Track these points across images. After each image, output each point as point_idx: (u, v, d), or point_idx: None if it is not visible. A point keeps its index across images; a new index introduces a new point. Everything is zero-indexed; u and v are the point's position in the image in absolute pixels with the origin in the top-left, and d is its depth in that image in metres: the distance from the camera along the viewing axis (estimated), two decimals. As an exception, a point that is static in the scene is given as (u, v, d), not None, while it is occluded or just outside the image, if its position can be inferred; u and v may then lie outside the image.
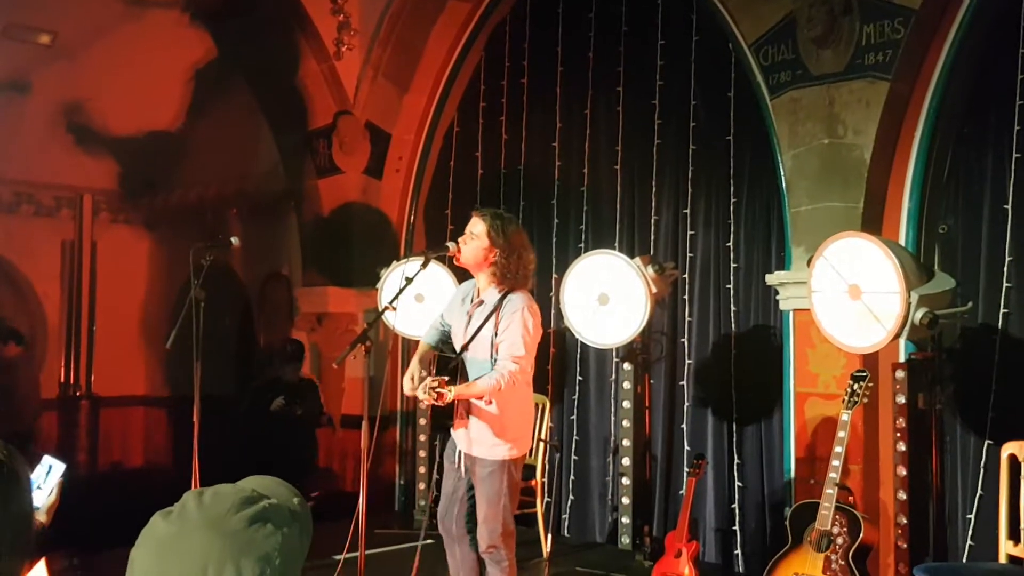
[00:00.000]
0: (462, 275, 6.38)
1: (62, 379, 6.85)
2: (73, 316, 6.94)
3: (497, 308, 3.78)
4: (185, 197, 7.00)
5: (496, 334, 3.75)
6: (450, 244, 4.03)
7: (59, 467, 2.82)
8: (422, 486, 6.70)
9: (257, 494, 1.12)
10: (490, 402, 3.73)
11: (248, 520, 1.07)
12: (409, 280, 3.81)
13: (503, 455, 3.79)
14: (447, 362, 4.01)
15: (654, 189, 6.08)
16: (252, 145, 7.48)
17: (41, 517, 2.67)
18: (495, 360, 3.73)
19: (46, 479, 2.84)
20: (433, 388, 3.57)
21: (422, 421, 6.70)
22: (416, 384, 3.77)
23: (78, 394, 6.87)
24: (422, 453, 6.69)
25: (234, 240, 4.60)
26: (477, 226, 3.85)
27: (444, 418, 3.97)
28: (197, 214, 6.92)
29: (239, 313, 7.64)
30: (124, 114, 7.02)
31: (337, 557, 4.09)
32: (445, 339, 4.07)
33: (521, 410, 3.89)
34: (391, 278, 6.05)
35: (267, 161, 7.54)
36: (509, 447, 3.79)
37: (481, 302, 3.87)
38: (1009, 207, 4.53)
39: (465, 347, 3.80)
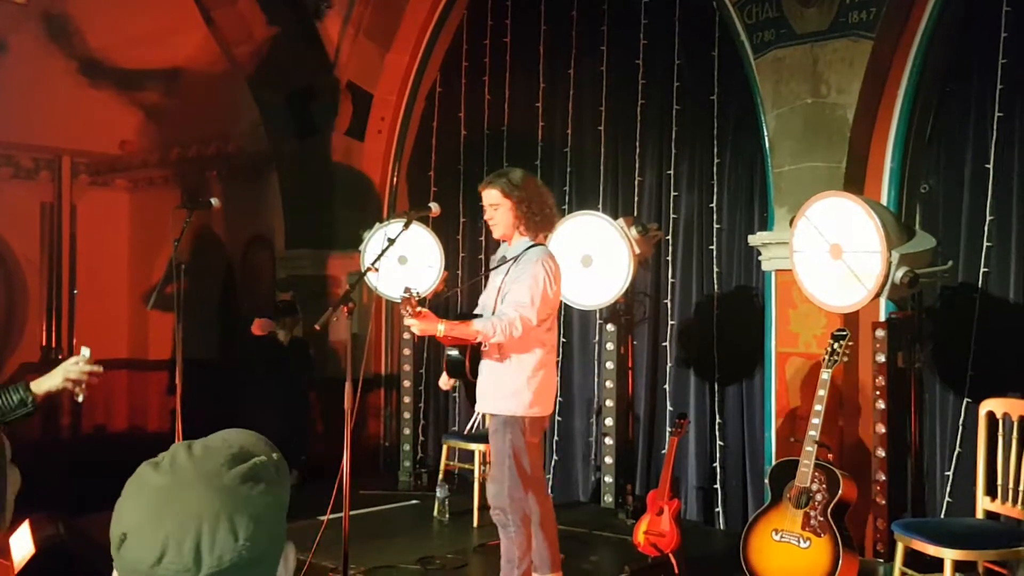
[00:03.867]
0: (446, 237, 6.39)
1: (43, 342, 6.82)
2: (54, 279, 6.89)
3: (517, 260, 3.80)
4: (165, 159, 6.92)
5: (505, 282, 3.77)
6: (432, 205, 4.03)
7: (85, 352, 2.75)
8: (406, 447, 6.73)
9: (244, 450, 1.11)
10: (486, 343, 3.74)
11: (241, 477, 1.06)
12: (391, 241, 3.79)
13: (508, 410, 3.78)
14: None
15: (638, 150, 6.07)
16: (233, 106, 7.39)
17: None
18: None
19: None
20: (406, 300, 3.57)
21: (406, 383, 6.72)
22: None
23: (60, 357, 6.84)
24: (406, 415, 6.71)
25: (214, 201, 4.56)
26: (490, 196, 3.86)
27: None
28: (177, 176, 6.85)
29: (221, 277, 7.60)
30: (103, 74, 6.92)
31: (321, 517, 4.11)
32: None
33: (531, 367, 3.82)
34: (374, 240, 6.03)
35: (248, 122, 7.46)
36: (515, 403, 3.77)
37: (503, 258, 3.90)
38: (991, 166, 4.55)
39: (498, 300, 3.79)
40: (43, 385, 2.69)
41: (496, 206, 3.84)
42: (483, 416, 3.91)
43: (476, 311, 4.00)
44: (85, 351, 2.78)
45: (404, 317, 3.68)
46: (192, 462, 1.07)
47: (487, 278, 4.08)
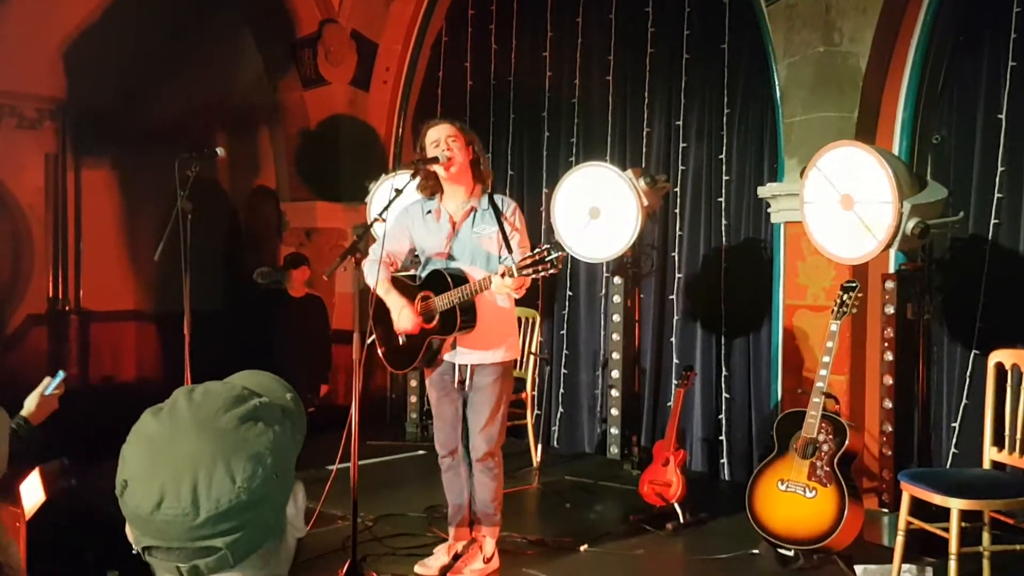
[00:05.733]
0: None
1: (50, 294, 6.81)
2: (59, 230, 6.86)
3: (500, 211, 3.79)
4: (169, 109, 6.85)
5: (515, 232, 3.77)
6: (440, 155, 3.97)
7: (60, 374, 2.97)
8: (413, 399, 6.76)
9: (248, 392, 1.11)
10: (522, 293, 3.71)
11: (239, 419, 1.06)
12: (399, 191, 3.75)
13: (512, 356, 3.87)
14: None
15: (646, 100, 6.00)
16: (236, 56, 7.31)
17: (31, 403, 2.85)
18: (504, 258, 3.71)
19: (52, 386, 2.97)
20: (538, 263, 3.38)
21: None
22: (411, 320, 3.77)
23: (67, 308, 6.83)
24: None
25: (219, 151, 4.52)
26: (448, 130, 3.80)
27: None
28: (182, 126, 6.79)
29: (226, 228, 7.57)
30: (108, 23, 6.84)
31: (330, 467, 4.13)
32: (401, 268, 4.04)
33: (515, 312, 3.97)
34: (380, 192, 5.99)
35: (251, 72, 7.38)
36: (508, 351, 3.86)
37: (471, 209, 3.83)
38: (1003, 116, 4.49)
39: (508, 250, 3.71)
40: (28, 411, 2.95)
41: (455, 138, 3.78)
42: (459, 366, 3.86)
43: (434, 261, 3.89)
44: (60, 374, 3.05)
45: (513, 280, 3.47)
46: (191, 407, 1.07)
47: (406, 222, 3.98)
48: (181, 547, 1.03)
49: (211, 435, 1.04)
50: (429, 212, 3.91)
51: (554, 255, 3.37)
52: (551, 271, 3.40)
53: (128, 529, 1.07)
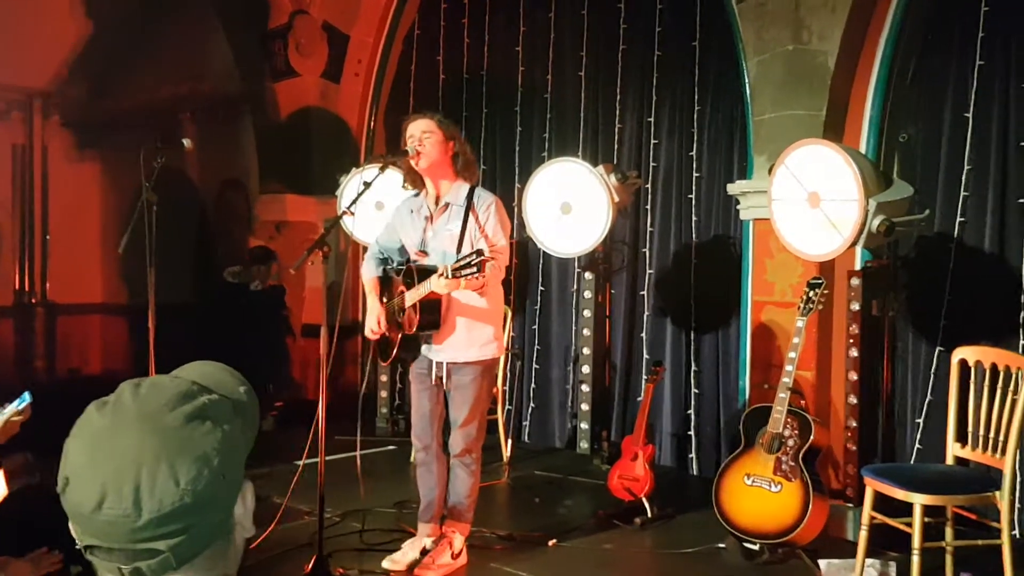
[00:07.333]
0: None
1: (16, 286, 6.73)
2: (26, 222, 6.78)
3: (471, 206, 3.76)
4: (137, 100, 6.79)
5: (480, 228, 3.74)
6: (410, 148, 3.95)
7: (26, 397, 2.92)
8: (383, 394, 6.74)
9: (197, 387, 1.07)
10: (485, 292, 3.72)
11: (185, 417, 1.02)
12: (367, 184, 3.73)
13: (492, 354, 3.85)
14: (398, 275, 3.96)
15: (618, 96, 6.01)
16: (205, 46, 7.24)
17: None
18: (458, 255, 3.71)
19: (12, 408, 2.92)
20: (468, 265, 3.37)
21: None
22: (383, 323, 3.79)
23: (33, 301, 6.76)
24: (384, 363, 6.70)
25: (186, 142, 4.48)
26: (425, 124, 3.80)
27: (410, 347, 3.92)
28: (150, 117, 6.72)
29: (195, 221, 7.51)
30: (74, 13, 6.76)
31: (298, 462, 4.12)
32: (388, 264, 4.04)
33: (500, 309, 3.95)
34: (350, 185, 5.96)
35: (221, 63, 7.31)
36: (496, 345, 3.85)
37: (447, 205, 3.83)
38: (970, 115, 4.53)
39: (459, 248, 3.72)
40: None
41: (430, 134, 3.78)
42: (435, 363, 3.86)
43: (414, 257, 3.90)
44: (26, 396, 3.00)
45: (448, 280, 3.46)
46: (136, 402, 1.03)
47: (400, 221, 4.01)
48: (123, 548, 1.00)
49: (156, 433, 1.00)
50: (413, 209, 3.93)
51: (478, 260, 3.38)
52: (477, 275, 3.42)
53: (71, 526, 1.04)
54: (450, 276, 3.44)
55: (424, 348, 3.88)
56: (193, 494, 0.99)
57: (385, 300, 3.93)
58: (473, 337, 3.79)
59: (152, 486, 0.98)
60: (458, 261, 3.46)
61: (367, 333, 3.92)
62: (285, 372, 6.81)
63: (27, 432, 3.38)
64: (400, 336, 3.82)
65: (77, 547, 1.04)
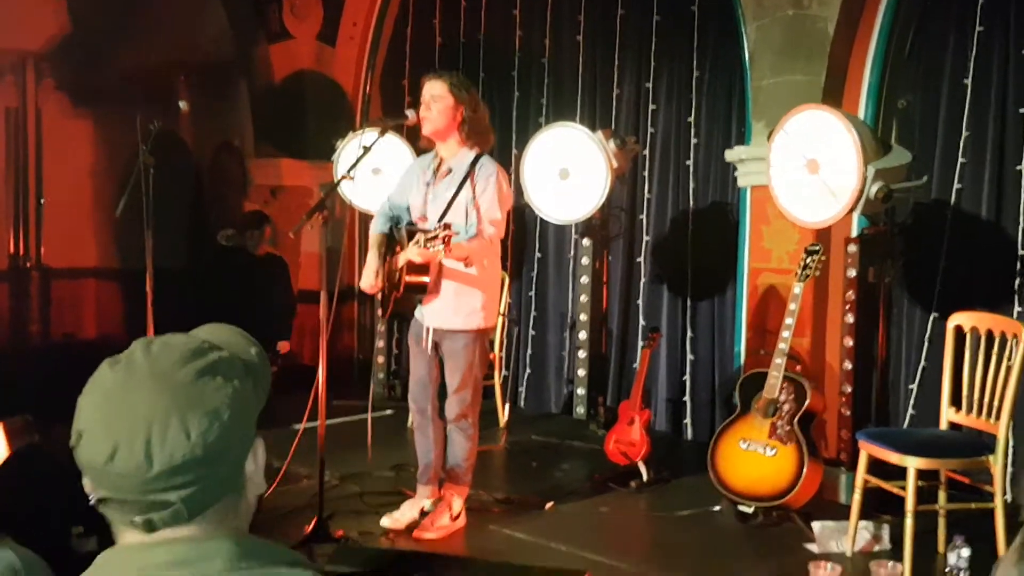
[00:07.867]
0: (419, 150, 6.28)
1: (11, 250, 6.70)
2: (20, 185, 6.73)
3: (471, 173, 3.74)
4: (132, 63, 6.72)
5: (474, 198, 3.72)
6: (409, 112, 3.91)
7: None
8: (380, 359, 6.76)
9: (208, 345, 1.09)
10: (470, 264, 3.70)
11: (196, 373, 1.04)
12: (367, 149, 3.72)
13: (479, 324, 3.83)
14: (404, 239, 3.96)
15: (616, 62, 5.97)
16: (200, 8, 7.16)
17: None
18: (471, 225, 3.71)
19: None
20: (435, 238, 3.37)
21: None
22: (379, 279, 3.80)
23: (28, 265, 6.73)
24: (380, 328, 6.72)
25: (182, 105, 4.47)
26: (437, 88, 3.76)
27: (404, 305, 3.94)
28: (144, 80, 6.66)
29: (190, 185, 7.47)
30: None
31: (297, 426, 4.14)
32: (397, 223, 4.01)
33: (494, 278, 3.92)
34: (347, 150, 5.93)
35: (215, 25, 7.23)
36: (484, 315, 3.84)
37: (449, 170, 3.82)
38: (969, 81, 4.52)
39: (444, 215, 3.72)
40: None
41: (439, 99, 3.73)
42: (426, 328, 3.87)
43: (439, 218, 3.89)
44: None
45: (421, 249, 3.50)
46: (148, 359, 1.05)
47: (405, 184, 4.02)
48: (135, 500, 1.02)
49: (167, 388, 1.02)
50: (423, 170, 3.93)
51: (443, 234, 3.38)
52: (439, 248, 3.42)
53: (84, 480, 1.06)
54: (422, 245, 3.45)
55: (417, 312, 3.90)
56: (204, 447, 1.01)
57: (388, 257, 3.93)
58: (460, 304, 3.79)
59: (163, 439, 1.00)
60: (429, 232, 3.46)
61: (363, 286, 3.94)
62: (285, 336, 6.79)
63: (25, 394, 3.39)
64: (393, 294, 3.84)
65: (91, 502, 1.06)
